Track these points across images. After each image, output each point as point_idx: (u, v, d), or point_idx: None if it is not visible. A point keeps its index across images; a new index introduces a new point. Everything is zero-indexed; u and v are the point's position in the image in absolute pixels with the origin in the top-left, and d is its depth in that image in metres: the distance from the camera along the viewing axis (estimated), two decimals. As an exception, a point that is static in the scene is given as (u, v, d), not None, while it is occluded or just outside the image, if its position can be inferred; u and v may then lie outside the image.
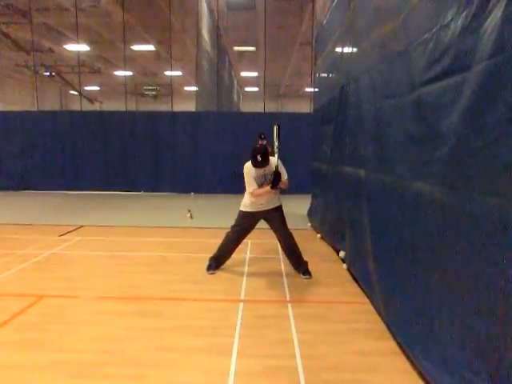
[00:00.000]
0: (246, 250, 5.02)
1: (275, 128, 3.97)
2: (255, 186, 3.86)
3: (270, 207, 4.00)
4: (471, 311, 1.83)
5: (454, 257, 1.97)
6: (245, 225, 4.10)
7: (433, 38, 2.19)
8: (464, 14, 1.86)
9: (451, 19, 1.98)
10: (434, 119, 2.19)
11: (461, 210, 1.91)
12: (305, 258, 4.16)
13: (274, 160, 3.87)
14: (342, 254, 4.51)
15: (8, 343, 2.67)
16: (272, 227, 4.14)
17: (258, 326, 2.98)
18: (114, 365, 2.42)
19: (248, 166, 3.90)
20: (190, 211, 7.47)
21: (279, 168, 3.83)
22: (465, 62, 1.87)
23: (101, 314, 3.16)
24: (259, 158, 3.71)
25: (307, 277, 4.03)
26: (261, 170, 3.86)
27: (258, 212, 4.00)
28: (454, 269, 1.98)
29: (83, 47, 14.73)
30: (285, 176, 3.90)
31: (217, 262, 4.23)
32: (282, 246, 4.24)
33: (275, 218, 4.06)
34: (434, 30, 2.18)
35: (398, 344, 2.64)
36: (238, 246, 4.20)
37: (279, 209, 4.08)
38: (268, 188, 3.81)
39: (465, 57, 1.87)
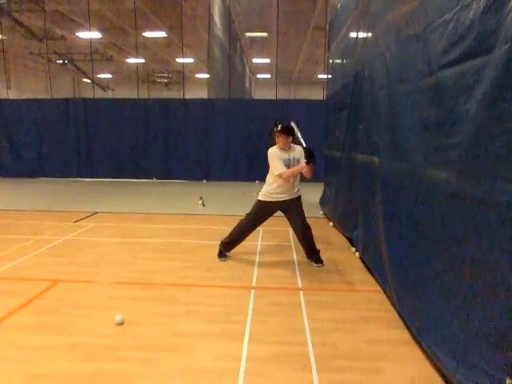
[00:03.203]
0: (258, 237, 5.03)
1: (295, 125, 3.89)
2: (284, 168, 3.74)
3: (291, 197, 3.92)
4: (488, 301, 1.79)
5: (471, 246, 1.93)
6: (262, 214, 4.04)
7: (453, 19, 2.11)
8: (487, -8, 1.78)
9: (473, -1, 1.90)
10: (452, 104, 2.12)
11: (478, 197, 1.86)
12: (317, 247, 4.14)
13: (298, 147, 3.85)
14: (357, 254, 4.41)
15: (25, 326, 2.74)
16: (289, 218, 4.04)
17: (270, 312, 2.99)
18: (128, 348, 2.47)
19: (273, 150, 3.85)
20: (201, 198, 7.49)
21: (302, 154, 3.76)
22: (487, 44, 1.79)
23: (115, 298, 3.21)
24: (279, 126, 3.77)
25: (319, 265, 4.02)
26: (286, 154, 3.82)
27: (277, 202, 3.90)
28: (470, 258, 1.94)
29: (95, 34, 14.74)
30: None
31: (227, 247, 4.24)
32: (298, 236, 4.11)
33: (294, 208, 3.97)
34: (454, 10, 2.09)
35: (411, 333, 2.62)
36: (250, 233, 4.20)
37: (299, 199, 4.00)
38: (302, 165, 3.68)
39: (487, 38, 1.79)
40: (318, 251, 4.11)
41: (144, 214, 6.64)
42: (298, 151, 3.86)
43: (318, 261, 4.05)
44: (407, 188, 2.79)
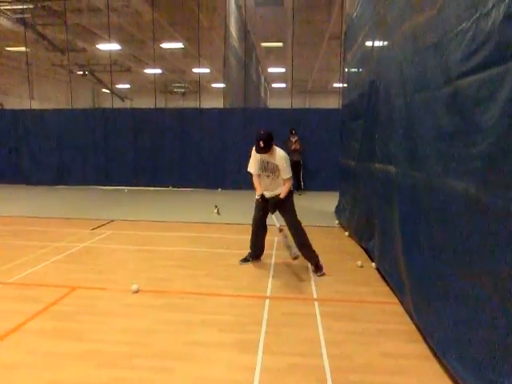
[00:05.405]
0: (273, 246, 5.01)
1: None
2: (253, 168, 4.09)
3: (271, 195, 4.14)
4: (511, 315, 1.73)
5: (493, 258, 1.87)
6: (257, 208, 4.26)
7: (471, 27, 2.08)
8: (507, 0, 1.75)
9: (492, 6, 1.87)
10: (471, 114, 2.09)
11: (499, 208, 1.81)
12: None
13: (281, 153, 3.94)
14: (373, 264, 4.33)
15: (43, 332, 2.78)
16: (281, 215, 4.20)
17: (285, 323, 2.96)
18: (143, 357, 2.48)
19: (254, 150, 3.99)
20: (217, 207, 7.52)
21: (282, 164, 3.89)
22: (506, 53, 1.76)
23: (130, 306, 3.24)
24: (262, 144, 3.78)
25: (318, 274, 4.00)
26: (264, 157, 3.94)
27: (263, 198, 4.17)
28: (491, 271, 1.88)
29: (115, 46, 15.13)
30: (286, 175, 3.93)
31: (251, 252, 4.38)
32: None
33: (282, 206, 4.10)
34: (472, 18, 2.07)
35: (429, 347, 2.55)
36: (259, 231, 4.35)
37: (284, 199, 4.02)
38: (259, 190, 4.11)
39: (507, 47, 1.76)
40: (313, 257, 4.06)
41: (160, 222, 6.71)
42: (278, 158, 3.91)
43: (316, 269, 4.01)
44: (425, 198, 2.74)
